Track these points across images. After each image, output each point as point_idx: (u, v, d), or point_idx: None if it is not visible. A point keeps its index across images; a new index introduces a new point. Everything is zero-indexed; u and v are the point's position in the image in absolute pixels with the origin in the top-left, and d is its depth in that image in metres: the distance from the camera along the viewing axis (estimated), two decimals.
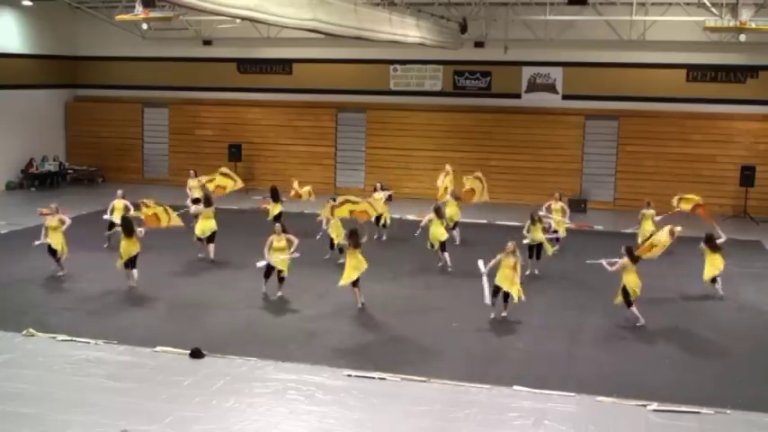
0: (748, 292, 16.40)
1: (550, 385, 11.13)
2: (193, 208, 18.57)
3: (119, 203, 18.26)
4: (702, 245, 15.70)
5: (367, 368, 11.62)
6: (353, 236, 14.24)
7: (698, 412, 10.37)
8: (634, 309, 13.72)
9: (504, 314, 13.95)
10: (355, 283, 14.26)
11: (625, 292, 13.67)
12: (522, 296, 13.75)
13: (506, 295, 13.81)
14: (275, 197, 19.66)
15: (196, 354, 12.02)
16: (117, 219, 17.48)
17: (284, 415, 10.14)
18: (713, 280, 15.67)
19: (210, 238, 17.69)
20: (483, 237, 19.13)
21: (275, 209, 19.48)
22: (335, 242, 17.53)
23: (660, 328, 13.80)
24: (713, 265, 15.53)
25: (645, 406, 10.53)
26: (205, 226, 17.60)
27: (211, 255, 17.67)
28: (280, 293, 15.09)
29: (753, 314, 15.01)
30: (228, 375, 11.31)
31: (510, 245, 13.93)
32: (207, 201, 18.02)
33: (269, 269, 15.01)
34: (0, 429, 9.63)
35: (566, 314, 14.58)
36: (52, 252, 16.18)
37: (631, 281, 13.63)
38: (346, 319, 14.04)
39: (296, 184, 21.02)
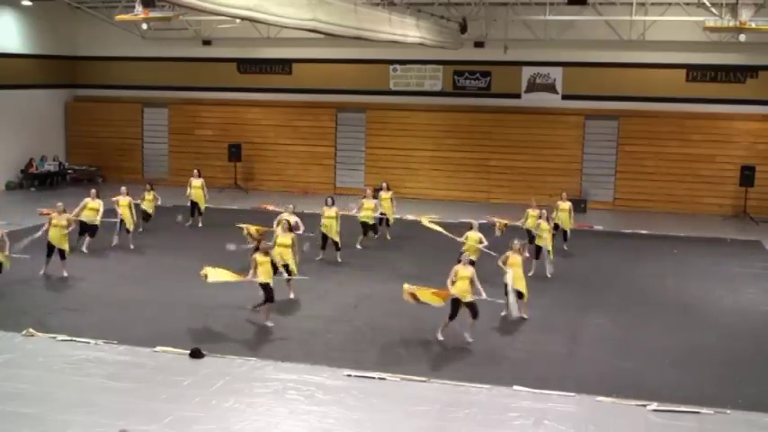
0: (748, 292, 16.40)
1: (550, 385, 11.13)
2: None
3: (91, 203, 18.04)
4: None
5: (367, 368, 11.62)
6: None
7: (698, 412, 10.36)
8: None
9: (524, 316, 14.00)
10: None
11: None
12: (526, 296, 13.93)
13: (520, 294, 13.87)
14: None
15: (196, 354, 12.02)
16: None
17: (284, 415, 10.13)
18: None
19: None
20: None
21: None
22: (335, 241, 17.77)
23: (660, 328, 13.81)
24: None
25: (644, 406, 10.53)
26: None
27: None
28: (292, 296, 15.03)
29: (753, 314, 15.01)
30: (228, 375, 11.31)
31: (516, 243, 14.00)
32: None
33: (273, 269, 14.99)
34: (0, 429, 9.63)
35: (566, 314, 14.58)
36: (50, 250, 16.19)
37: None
38: (346, 320, 14.03)
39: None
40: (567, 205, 18.87)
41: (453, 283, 12.59)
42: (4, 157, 27.17)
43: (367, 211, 19.32)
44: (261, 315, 13.58)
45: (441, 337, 12.75)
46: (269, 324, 13.42)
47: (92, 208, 17.96)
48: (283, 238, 14.93)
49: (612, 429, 10.00)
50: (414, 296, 12.66)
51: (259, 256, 13.45)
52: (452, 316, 12.63)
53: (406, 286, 12.82)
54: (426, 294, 12.62)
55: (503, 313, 14.06)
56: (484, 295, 12.58)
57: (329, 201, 18.11)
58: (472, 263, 13.26)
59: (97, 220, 17.99)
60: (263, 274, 13.37)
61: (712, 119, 25.25)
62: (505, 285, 13.61)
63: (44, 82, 29.21)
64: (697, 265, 18.47)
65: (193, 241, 19.90)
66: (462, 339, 12.94)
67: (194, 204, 21.59)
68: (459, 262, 13.12)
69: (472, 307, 12.60)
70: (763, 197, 24.29)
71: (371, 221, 19.47)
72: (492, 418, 10.15)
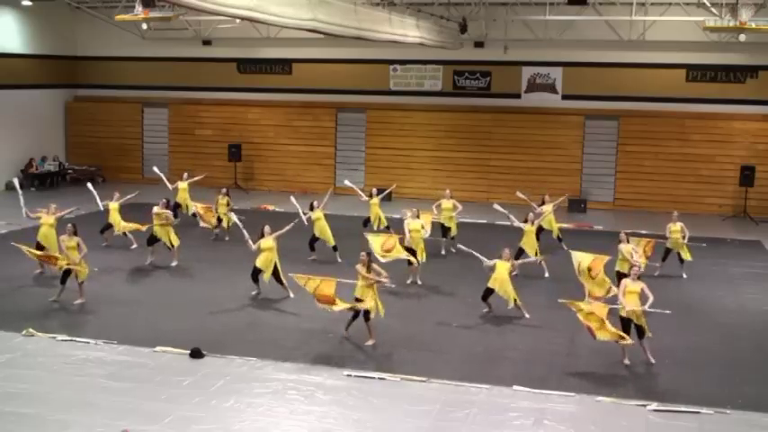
0: (748, 292, 16.41)
1: (550, 385, 11.15)
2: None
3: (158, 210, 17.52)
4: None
5: (367, 368, 11.64)
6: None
7: (698, 412, 10.38)
8: None
9: (526, 315, 14.16)
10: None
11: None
12: (518, 300, 14.07)
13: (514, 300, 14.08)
14: None
15: (196, 354, 12.03)
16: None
17: (284, 415, 10.14)
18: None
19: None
20: (483, 237, 19.12)
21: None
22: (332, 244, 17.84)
23: (660, 328, 13.77)
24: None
25: (645, 406, 10.54)
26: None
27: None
28: (292, 295, 15.01)
29: (753, 314, 15.01)
30: (228, 375, 11.32)
31: (506, 252, 14.12)
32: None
33: (256, 271, 15.01)
34: (0, 429, 9.63)
35: (566, 314, 14.49)
36: (40, 249, 16.21)
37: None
38: (346, 319, 14.00)
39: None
40: (549, 208, 18.82)
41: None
42: (4, 157, 27.17)
43: (446, 212, 18.65)
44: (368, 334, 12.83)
45: (627, 362, 11.97)
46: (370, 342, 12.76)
47: (159, 214, 17.34)
48: (266, 242, 14.89)
49: (612, 429, 10.00)
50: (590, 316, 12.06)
51: (361, 268, 12.68)
52: (639, 335, 12.03)
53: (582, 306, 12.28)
54: (603, 327, 11.85)
55: (485, 310, 14.25)
56: (646, 306, 11.93)
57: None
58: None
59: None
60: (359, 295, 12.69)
61: (712, 119, 25.25)
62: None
63: (44, 82, 29.20)
64: (697, 265, 18.45)
65: (192, 241, 19.88)
66: (462, 340, 12.95)
67: (177, 205, 21.40)
68: (626, 276, 12.69)
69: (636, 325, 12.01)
70: (763, 197, 24.29)
71: (449, 223, 18.70)
72: (492, 418, 10.15)
